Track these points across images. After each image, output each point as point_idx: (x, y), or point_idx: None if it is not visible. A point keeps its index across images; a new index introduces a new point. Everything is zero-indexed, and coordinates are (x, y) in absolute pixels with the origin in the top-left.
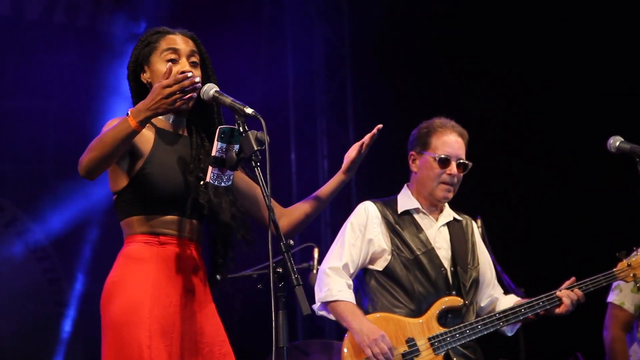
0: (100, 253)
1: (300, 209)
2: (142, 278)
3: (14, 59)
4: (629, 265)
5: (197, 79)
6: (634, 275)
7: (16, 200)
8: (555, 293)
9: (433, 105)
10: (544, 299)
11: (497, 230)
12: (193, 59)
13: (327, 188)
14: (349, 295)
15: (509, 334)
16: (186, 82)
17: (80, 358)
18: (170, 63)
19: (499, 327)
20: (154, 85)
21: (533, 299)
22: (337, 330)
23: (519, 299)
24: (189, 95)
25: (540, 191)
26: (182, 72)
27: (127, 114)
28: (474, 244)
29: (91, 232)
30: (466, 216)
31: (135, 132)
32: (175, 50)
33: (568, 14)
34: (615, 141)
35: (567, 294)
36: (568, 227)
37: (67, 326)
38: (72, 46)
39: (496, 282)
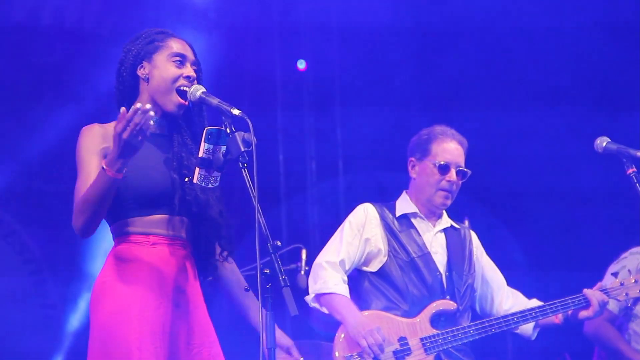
0: (88, 255)
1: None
2: (132, 279)
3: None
4: (621, 285)
5: (148, 106)
6: (626, 294)
7: (2, 203)
8: (547, 305)
9: (424, 106)
10: (536, 310)
11: (484, 232)
12: (194, 67)
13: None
14: (344, 290)
15: (532, 338)
16: (137, 119)
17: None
18: (123, 108)
19: (490, 332)
20: (113, 134)
21: (526, 309)
22: (326, 331)
23: (540, 303)
24: (148, 125)
25: (530, 194)
26: (136, 109)
27: (103, 167)
28: (470, 252)
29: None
30: (464, 225)
31: (117, 180)
32: (182, 56)
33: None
34: (602, 142)
35: (596, 295)
36: (557, 229)
37: (54, 329)
38: (58, 48)
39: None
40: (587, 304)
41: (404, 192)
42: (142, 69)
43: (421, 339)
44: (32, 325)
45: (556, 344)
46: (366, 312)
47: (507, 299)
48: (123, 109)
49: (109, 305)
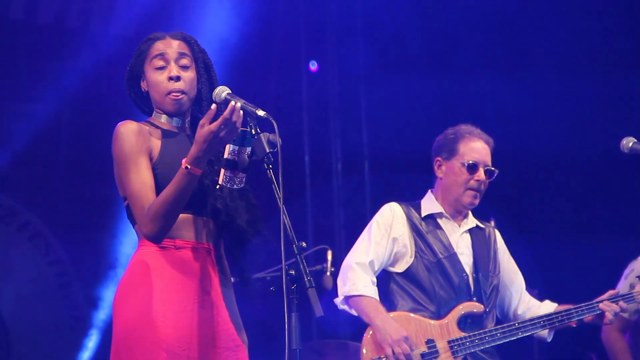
0: (113, 257)
1: None
2: (156, 282)
3: (27, 63)
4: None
5: (238, 105)
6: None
7: (29, 204)
8: (573, 308)
9: (448, 107)
10: (563, 313)
11: (509, 231)
12: (183, 61)
13: None
14: (373, 292)
15: (548, 340)
16: (235, 117)
17: None
18: (214, 105)
19: (517, 336)
20: (202, 131)
21: (552, 312)
22: (352, 330)
23: (555, 305)
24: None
25: (553, 191)
26: (233, 109)
27: (187, 167)
28: (495, 252)
29: (103, 236)
30: (489, 225)
31: (198, 176)
32: (162, 56)
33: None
34: (629, 142)
35: (610, 307)
36: (582, 227)
37: (79, 330)
38: (84, 50)
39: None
40: (601, 313)
41: (429, 191)
42: (143, 83)
43: (449, 342)
44: (57, 326)
45: (582, 344)
46: (394, 314)
47: (522, 303)
48: (214, 106)
49: (133, 308)
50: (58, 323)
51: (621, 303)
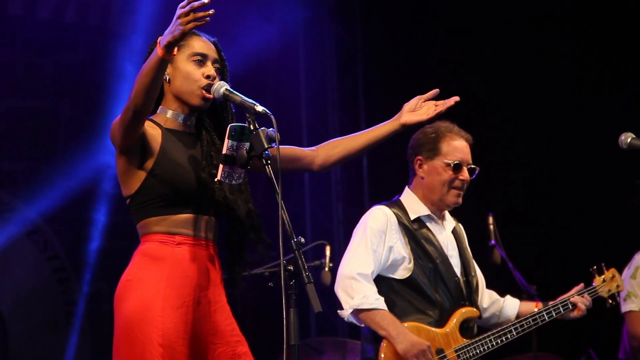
0: (110, 253)
1: (342, 146)
2: (157, 277)
3: (25, 58)
4: (604, 281)
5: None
6: (609, 290)
7: (27, 200)
8: (569, 300)
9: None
10: (559, 305)
11: (507, 227)
12: (216, 65)
13: (377, 133)
14: (383, 304)
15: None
16: (195, 4)
17: (89, 357)
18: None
19: (511, 338)
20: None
21: (545, 307)
22: (350, 328)
23: (518, 301)
24: (198, 16)
25: (552, 187)
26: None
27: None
28: (468, 250)
29: (101, 232)
30: (456, 220)
31: (164, 60)
32: (203, 55)
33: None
34: (627, 137)
35: (581, 300)
36: (580, 223)
37: (77, 325)
38: (82, 45)
39: None
40: (574, 307)
41: (407, 189)
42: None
43: (455, 350)
44: (55, 321)
45: (580, 339)
46: (407, 324)
47: (485, 297)
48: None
49: (133, 302)
50: (56, 318)
51: (586, 296)
